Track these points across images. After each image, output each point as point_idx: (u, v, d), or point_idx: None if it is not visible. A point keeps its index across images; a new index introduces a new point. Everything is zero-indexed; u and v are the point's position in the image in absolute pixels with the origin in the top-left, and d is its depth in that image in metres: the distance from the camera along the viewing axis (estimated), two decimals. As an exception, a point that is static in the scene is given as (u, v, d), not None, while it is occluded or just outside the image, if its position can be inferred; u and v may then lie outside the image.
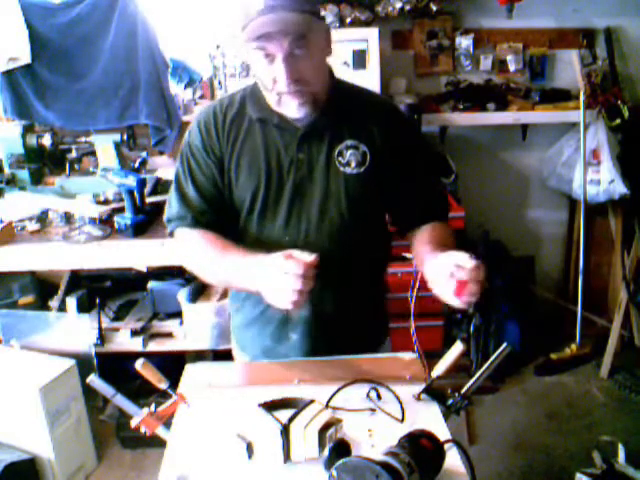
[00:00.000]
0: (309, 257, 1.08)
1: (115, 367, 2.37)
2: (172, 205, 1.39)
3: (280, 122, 1.30)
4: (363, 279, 1.44)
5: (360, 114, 1.35)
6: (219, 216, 1.37)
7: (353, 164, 1.32)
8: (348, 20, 2.89)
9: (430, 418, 1.13)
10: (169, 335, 2.67)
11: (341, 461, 0.90)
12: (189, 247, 1.38)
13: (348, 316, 1.40)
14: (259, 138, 1.33)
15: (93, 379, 1.15)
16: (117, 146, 2.74)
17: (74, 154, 2.85)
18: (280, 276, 1.07)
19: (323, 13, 2.85)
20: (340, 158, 1.32)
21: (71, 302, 2.74)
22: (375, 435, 1.09)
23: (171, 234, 1.42)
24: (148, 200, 2.54)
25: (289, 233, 1.33)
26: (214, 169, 1.35)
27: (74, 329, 2.53)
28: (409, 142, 1.39)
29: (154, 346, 2.64)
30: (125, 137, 2.80)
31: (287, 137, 1.32)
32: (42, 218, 2.56)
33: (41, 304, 2.80)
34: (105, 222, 2.51)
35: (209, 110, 1.38)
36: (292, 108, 1.26)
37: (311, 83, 1.24)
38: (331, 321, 1.35)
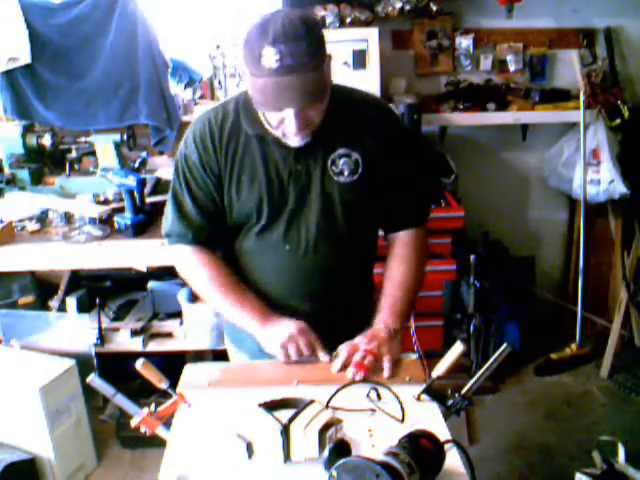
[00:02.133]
0: (317, 342, 1.31)
1: (115, 367, 2.37)
2: (171, 220, 1.40)
3: (276, 138, 1.30)
4: (355, 278, 1.47)
5: (353, 121, 1.35)
6: (217, 231, 1.40)
7: (346, 173, 1.33)
8: (348, 20, 2.88)
9: (430, 418, 1.13)
10: (169, 335, 2.68)
11: (341, 461, 0.90)
12: (191, 270, 1.41)
13: (340, 315, 1.42)
14: (257, 152, 1.33)
15: (93, 379, 1.15)
16: (117, 146, 2.74)
17: (74, 154, 2.85)
18: (290, 343, 1.28)
19: (323, 13, 2.84)
20: (333, 167, 1.33)
21: (71, 302, 2.74)
22: (375, 435, 1.09)
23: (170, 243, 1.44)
24: (148, 200, 2.54)
25: (289, 242, 1.35)
26: (211, 185, 1.36)
27: (74, 329, 2.52)
28: (400, 147, 1.40)
29: (154, 346, 2.65)
30: (125, 137, 2.79)
31: (284, 150, 1.32)
32: (42, 218, 2.55)
33: (41, 304, 2.79)
34: (105, 222, 2.51)
35: (204, 123, 1.35)
36: (294, 141, 1.27)
37: (317, 122, 1.25)
38: (323, 321, 1.36)
